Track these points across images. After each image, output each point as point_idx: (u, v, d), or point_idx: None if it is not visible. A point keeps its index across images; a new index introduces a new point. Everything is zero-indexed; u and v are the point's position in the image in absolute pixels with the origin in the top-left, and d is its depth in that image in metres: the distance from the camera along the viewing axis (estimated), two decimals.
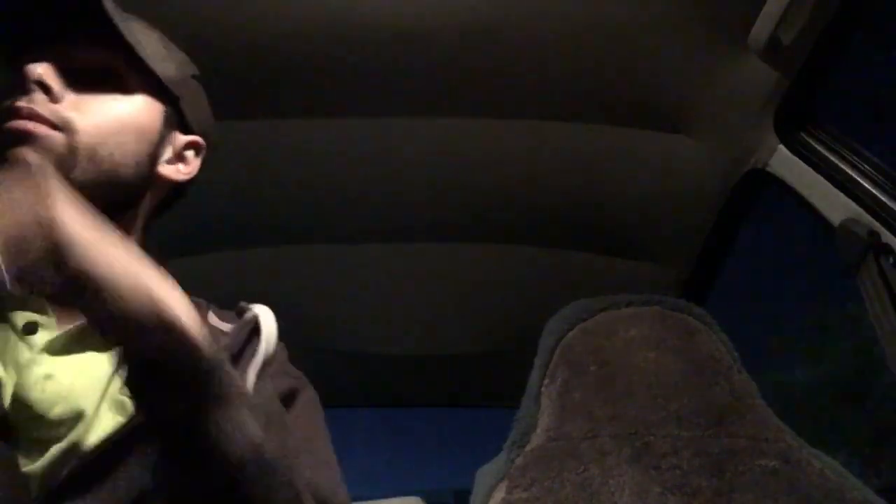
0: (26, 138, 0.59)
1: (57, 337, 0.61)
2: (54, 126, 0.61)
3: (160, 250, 0.73)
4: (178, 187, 0.74)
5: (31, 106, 0.60)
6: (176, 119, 0.72)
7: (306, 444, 0.67)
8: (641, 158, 1.34)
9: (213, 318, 0.73)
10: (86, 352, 0.61)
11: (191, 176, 0.74)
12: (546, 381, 0.93)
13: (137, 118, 0.67)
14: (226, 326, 0.71)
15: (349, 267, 1.57)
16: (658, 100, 1.23)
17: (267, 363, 0.68)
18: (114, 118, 0.65)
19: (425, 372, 1.85)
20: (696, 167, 1.32)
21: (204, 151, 0.76)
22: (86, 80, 0.65)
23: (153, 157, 0.70)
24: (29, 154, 0.45)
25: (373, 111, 1.25)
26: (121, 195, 0.67)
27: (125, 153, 0.65)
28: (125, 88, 0.67)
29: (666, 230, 1.47)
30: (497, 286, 1.63)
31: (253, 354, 0.67)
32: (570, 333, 0.95)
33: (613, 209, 1.45)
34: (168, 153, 0.72)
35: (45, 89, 0.62)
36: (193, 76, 0.76)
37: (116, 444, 0.56)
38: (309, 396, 0.73)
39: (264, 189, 1.38)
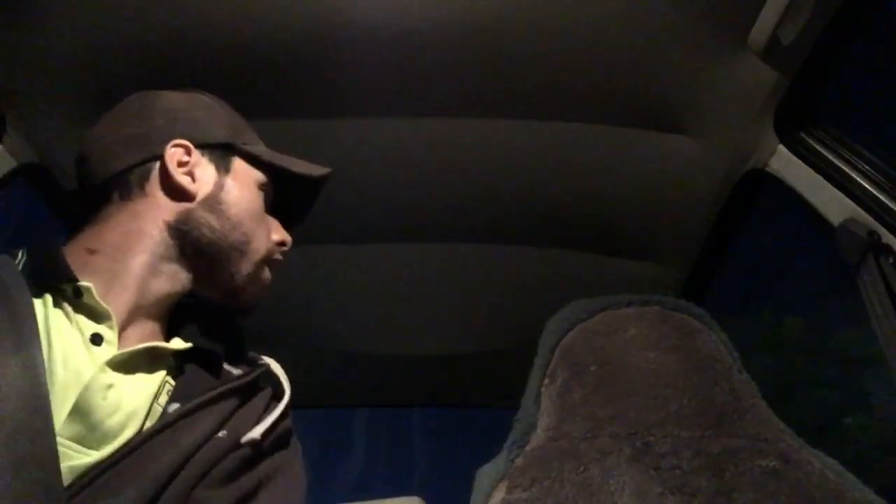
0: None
1: (121, 354, 0.68)
2: None
3: None
4: None
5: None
6: None
7: None
8: (641, 158, 1.34)
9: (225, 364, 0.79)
10: (136, 373, 0.68)
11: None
12: (546, 381, 0.93)
13: None
14: (236, 371, 0.78)
15: (349, 267, 1.57)
16: (658, 100, 1.23)
17: (284, 414, 0.76)
18: None
19: (425, 372, 1.84)
20: (696, 167, 1.32)
21: None
22: None
23: None
24: None
25: (372, 111, 1.25)
26: None
27: None
28: None
29: (666, 230, 1.47)
30: (497, 286, 1.63)
31: (269, 397, 0.77)
32: (570, 333, 0.95)
33: (613, 209, 1.45)
34: None
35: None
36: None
37: (131, 450, 0.62)
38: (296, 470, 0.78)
39: None
